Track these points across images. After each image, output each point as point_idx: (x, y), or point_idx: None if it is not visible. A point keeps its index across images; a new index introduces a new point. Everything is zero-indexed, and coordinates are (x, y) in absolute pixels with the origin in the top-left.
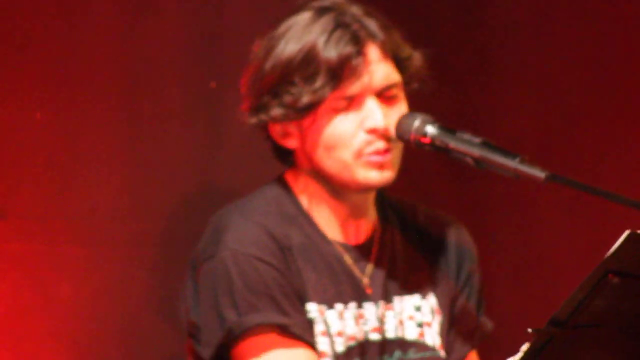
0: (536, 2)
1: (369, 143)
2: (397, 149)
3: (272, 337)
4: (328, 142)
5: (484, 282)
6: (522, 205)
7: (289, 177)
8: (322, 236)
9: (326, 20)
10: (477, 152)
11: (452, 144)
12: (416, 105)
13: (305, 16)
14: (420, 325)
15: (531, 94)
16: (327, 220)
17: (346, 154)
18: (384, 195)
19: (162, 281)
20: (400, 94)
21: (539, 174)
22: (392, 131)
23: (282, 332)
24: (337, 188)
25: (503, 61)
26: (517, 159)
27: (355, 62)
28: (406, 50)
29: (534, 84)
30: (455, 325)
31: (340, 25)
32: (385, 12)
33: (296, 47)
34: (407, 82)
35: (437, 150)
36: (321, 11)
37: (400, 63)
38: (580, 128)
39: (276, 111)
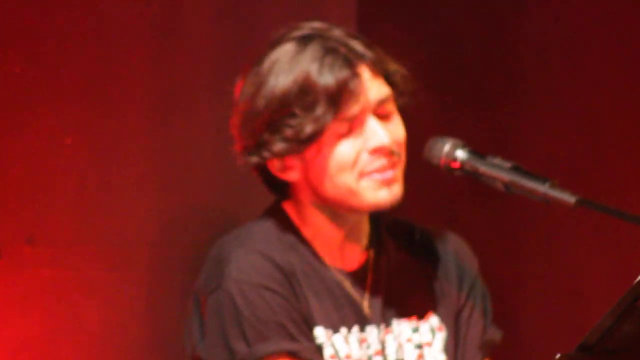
0: (567, 24)
1: (371, 162)
2: (401, 163)
3: None
4: (331, 168)
5: (487, 291)
6: (552, 230)
7: (287, 206)
8: (322, 263)
9: (314, 48)
10: (507, 176)
11: (482, 168)
12: (445, 130)
13: (289, 47)
14: (419, 346)
15: (562, 118)
16: (326, 247)
17: (350, 178)
18: (378, 217)
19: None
20: (394, 108)
21: (569, 198)
22: (394, 147)
23: (293, 358)
24: (340, 214)
25: (533, 84)
26: (547, 184)
27: (351, 84)
28: (392, 65)
29: (564, 107)
30: (464, 336)
31: (329, 51)
32: (414, 36)
33: (289, 79)
34: (397, 96)
35: (467, 174)
36: (305, 40)
37: (388, 78)
38: (611, 152)
39: (278, 146)
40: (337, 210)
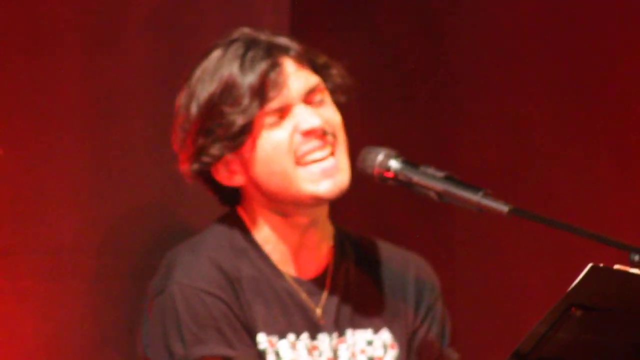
0: (503, 32)
1: (304, 143)
2: (339, 146)
3: None
4: (268, 156)
5: (447, 314)
6: (485, 239)
7: (241, 212)
8: (274, 269)
9: (235, 48)
10: (440, 186)
11: (416, 178)
12: (379, 138)
13: (215, 54)
14: (371, 359)
15: (497, 126)
16: (280, 253)
17: (286, 162)
18: (342, 230)
19: (127, 316)
20: (326, 97)
21: (502, 207)
22: (327, 128)
23: None
24: (290, 217)
25: (469, 93)
26: (481, 193)
27: (273, 75)
28: (321, 58)
29: (500, 116)
30: (418, 356)
31: (250, 47)
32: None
33: (214, 82)
34: (332, 91)
35: (400, 184)
36: (229, 43)
37: (318, 71)
38: (546, 160)
39: (214, 148)
40: (285, 209)
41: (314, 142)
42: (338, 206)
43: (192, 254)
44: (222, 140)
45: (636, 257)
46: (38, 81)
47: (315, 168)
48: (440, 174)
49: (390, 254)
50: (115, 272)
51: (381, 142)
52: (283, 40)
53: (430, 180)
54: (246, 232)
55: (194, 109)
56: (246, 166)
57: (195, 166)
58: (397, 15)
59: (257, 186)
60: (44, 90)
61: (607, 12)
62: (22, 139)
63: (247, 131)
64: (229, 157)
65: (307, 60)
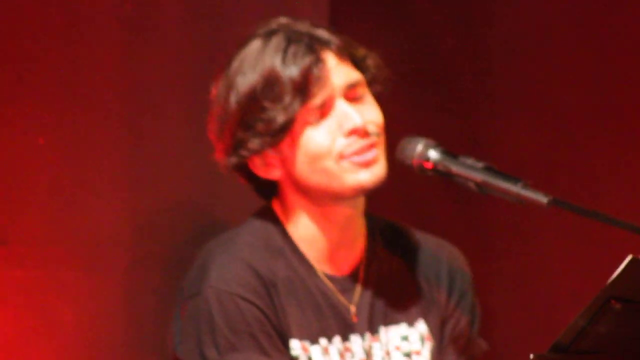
0: (538, 26)
1: (349, 145)
2: (381, 143)
3: None
4: (309, 156)
5: (478, 303)
6: (525, 230)
7: (276, 207)
8: (309, 268)
9: (277, 41)
10: (480, 177)
11: (455, 168)
12: (418, 130)
13: (254, 45)
14: (408, 354)
15: (534, 119)
16: (315, 251)
17: (329, 162)
18: (373, 219)
19: (165, 306)
20: (366, 93)
21: (542, 198)
22: (370, 127)
23: None
24: (329, 212)
25: (505, 86)
26: (520, 184)
27: (316, 71)
28: (361, 50)
29: (536, 108)
30: (448, 344)
31: (292, 41)
32: (386, 35)
33: (255, 75)
34: (370, 82)
35: (439, 175)
36: (269, 35)
37: (357, 64)
38: (584, 153)
39: (253, 142)
40: (324, 205)
41: (359, 143)
42: (376, 197)
43: (227, 256)
44: (261, 135)
45: None
46: (77, 71)
47: (356, 159)
48: (480, 165)
49: (421, 240)
50: (151, 263)
51: (418, 134)
52: (324, 33)
53: (470, 170)
54: (282, 230)
55: (233, 100)
56: (285, 161)
57: (233, 159)
58: (434, 7)
59: (295, 181)
60: (83, 80)
61: None
62: (61, 129)
63: (288, 128)
64: (268, 151)
65: (348, 54)
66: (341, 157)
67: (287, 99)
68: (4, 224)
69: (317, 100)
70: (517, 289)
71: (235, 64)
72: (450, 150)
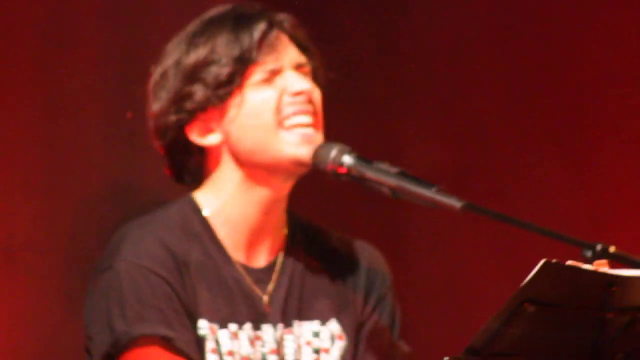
0: (453, 28)
1: (293, 104)
2: (320, 126)
3: (156, 349)
4: (253, 112)
5: (398, 307)
6: (439, 234)
7: (199, 193)
8: (225, 256)
9: (235, 12)
10: (394, 182)
11: (369, 173)
12: (335, 135)
13: (199, 22)
14: (316, 351)
15: (448, 124)
16: (233, 240)
17: (270, 120)
18: (296, 217)
19: (79, 312)
20: (310, 79)
21: (456, 203)
22: (314, 100)
23: (167, 344)
24: (258, 181)
25: (419, 91)
26: (434, 189)
27: (270, 37)
28: (307, 40)
29: (450, 113)
30: (366, 346)
31: (248, 12)
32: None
33: (211, 34)
34: (312, 75)
35: (353, 180)
36: (217, 14)
37: (304, 50)
38: (497, 157)
39: (200, 94)
40: (255, 178)
41: (302, 105)
42: (293, 200)
43: (141, 232)
44: (209, 87)
45: (588, 253)
46: None
47: (298, 132)
48: (394, 170)
49: (342, 242)
50: (67, 268)
51: (333, 139)
52: (280, 16)
53: (384, 176)
54: (201, 217)
55: (185, 56)
56: (226, 121)
57: (173, 117)
58: (350, 14)
59: (231, 146)
60: None
61: (560, 11)
62: None
63: (236, 81)
64: (210, 111)
65: (297, 38)
66: (281, 122)
67: (238, 54)
68: None
69: (268, 64)
70: (431, 292)
71: (179, 42)
72: (364, 156)
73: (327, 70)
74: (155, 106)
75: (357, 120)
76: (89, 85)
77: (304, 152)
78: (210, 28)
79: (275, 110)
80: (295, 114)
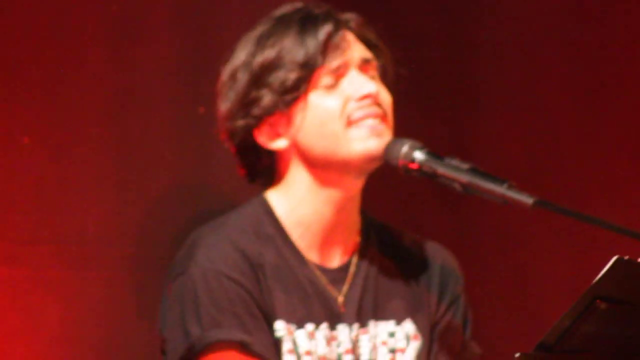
0: (524, 27)
1: (360, 108)
2: (389, 122)
3: (233, 354)
4: (318, 120)
5: (471, 309)
6: (510, 231)
7: (271, 194)
8: (299, 257)
9: (299, 15)
10: (465, 178)
11: (440, 169)
12: (405, 131)
13: (267, 24)
14: (392, 351)
15: (519, 120)
16: (306, 241)
17: (337, 125)
18: (369, 218)
19: (149, 305)
20: (377, 77)
21: (527, 199)
22: (382, 102)
23: (244, 349)
24: (330, 181)
25: (491, 87)
26: (505, 185)
27: (335, 38)
28: (375, 38)
29: (522, 110)
30: (439, 347)
31: (313, 14)
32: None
33: (273, 44)
34: (380, 72)
35: (425, 176)
36: (284, 15)
37: (371, 49)
38: (569, 153)
39: (267, 100)
40: (327, 179)
41: (369, 108)
42: (364, 199)
43: (215, 236)
44: (276, 93)
45: None
46: (63, 71)
47: (366, 124)
48: (465, 166)
49: (415, 243)
50: (138, 261)
51: (404, 136)
52: (344, 13)
53: (455, 171)
54: (274, 219)
55: (245, 74)
56: (294, 128)
57: (241, 122)
58: (417, 9)
59: (300, 150)
60: (69, 79)
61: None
62: (46, 128)
63: (302, 87)
64: (277, 116)
65: (363, 36)
66: (350, 122)
67: (304, 58)
68: None
69: (333, 63)
70: (502, 289)
71: (248, 44)
72: (435, 152)
73: (396, 67)
74: (224, 107)
75: (426, 117)
76: (161, 81)
77: (373, 145)
78: (277, 30)
79: (341, 116)
80: (363, 118)
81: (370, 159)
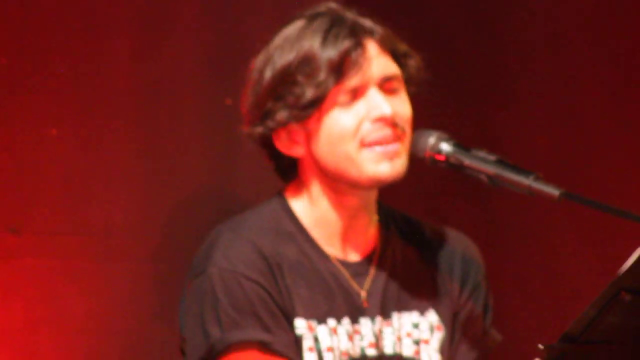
0: (553, 21)
1: (374, 131)
2: (406, 139)
3: (254, 353)
4: (332, 137)
5: (491, 295)
6: (536, 222)
7: (289, 193)
8: (320, 252)
9: (320, 23)
10: (492, 169)
11: (467, 161)
12: (432, 123)
13: (298, 24)
14: (417, 342)
15: (547, 112)
16: (327, 236)
17: (351, 146)
18: (388, 209)
19: (174, 297)
20: (402, 88)
21: (553, 191)
22: (398, 120)
23: (264, 348)
24: (341, 193)
25: (519, 80)
26: (532, 177)
27: (354, 55)
28: (402, 47)
29: (549, 102)
30: (461, 335)
31: (335, 24)
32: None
33: (294, 51)
34: (407, 81)
35: (451, 167)
36: (314, 16)
37: (398, 59)
38: (596, 147)
39: (281, 114)
40: (338, 190)
41: (384, 131)
42: (389, 189)
43: (233, 235)
44: (290, 108)
45: None
46: (91, 64)
47: (379, 149)
48: (492, 157)
49: (436, 232)
50: (163, 254)
51: (431, 127)
52: (369, 22)
53: (482, 163)
54: (292, 216)
55: (268, 73)
56: (309, 139)
57: (259, 129)
58: (448, 4)
59: (315, 161)
60: (97, 72)
61: None
62: (74, 120)
63: (317, 105)
64: (294, 126)
65: (389, 46)
66: (363, 144)
67: (321, 76)
68: (17, 213)
69: (351, 82)
70: (527, 280)
71: (276, 41)
72: (462, 143)
73: (425, 70)
74: (245, 107)
75: (454, 109)
76: (188, 73)
77: (385, 170)
78: (304, 35)
79: (354, 137)
80: (375, 142)
81: (380, 182)
